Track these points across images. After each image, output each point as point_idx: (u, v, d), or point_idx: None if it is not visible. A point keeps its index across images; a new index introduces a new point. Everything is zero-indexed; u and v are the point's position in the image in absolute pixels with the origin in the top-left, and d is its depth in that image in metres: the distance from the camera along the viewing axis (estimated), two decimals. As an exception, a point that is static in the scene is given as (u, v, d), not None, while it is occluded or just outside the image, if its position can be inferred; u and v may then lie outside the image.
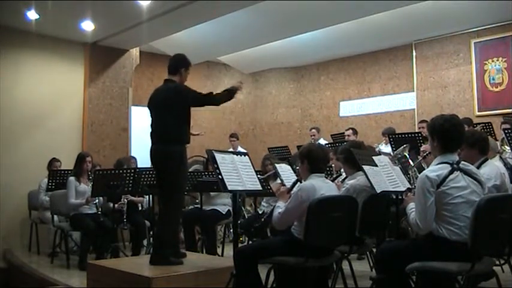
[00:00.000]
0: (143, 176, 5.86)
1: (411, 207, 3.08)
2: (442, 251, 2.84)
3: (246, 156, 3.83)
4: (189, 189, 5.85)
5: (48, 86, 7.83)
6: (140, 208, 6.57)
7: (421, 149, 5.07)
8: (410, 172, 4.43)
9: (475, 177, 2.97)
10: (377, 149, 7.09)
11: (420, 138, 5.69)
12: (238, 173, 3.59)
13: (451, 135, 3.01)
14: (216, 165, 3.48)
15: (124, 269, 4.02)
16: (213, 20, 7.40)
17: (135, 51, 8.80)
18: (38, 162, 7.08)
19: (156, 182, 4.66)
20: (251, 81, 11.66)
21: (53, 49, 7.90)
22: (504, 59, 8.16)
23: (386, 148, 7.11)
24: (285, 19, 7.79)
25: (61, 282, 5.00)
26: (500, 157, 4.58)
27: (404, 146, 4.64)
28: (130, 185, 5.78)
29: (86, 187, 5.95)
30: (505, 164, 4.49)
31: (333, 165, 5.01)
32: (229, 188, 3.44)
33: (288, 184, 3.97)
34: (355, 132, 8.13)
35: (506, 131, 4.90)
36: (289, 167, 4.62)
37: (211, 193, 6.01)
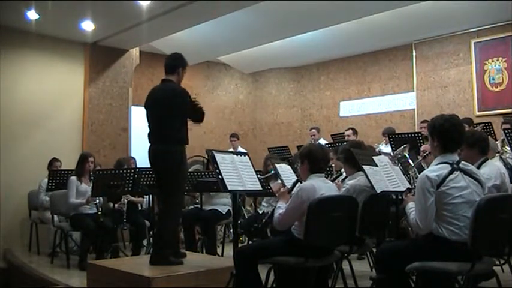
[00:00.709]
0: (143, 176, 5.86)
1: (411, 206, 3.08)
2: (442, 251, 2.84)
3: (246, 156, 3.83)
4: (189, 189, 5.85)
5: (48, 86, 7.83)
6: (140, 208, 6.58)
7: (421, 149, 5.07)
8: (410, 172, 4.43)
9: (475, 177, 2.97)
10: (377, 149, 7.09)
11: (420, 138, 5.70)
12: (238, 173, 3.59)
13: (451, 135, 3.01)
14: (216, 165, 3.48)
15: (124, 269, 4.02)
16: (213, 20, 7.40)
17: (135, 51, 8.80)
18: (38, 162, 7.08)
19: (156, 182, 4.66)
20: (251, 81, 11.67)
21: (53, 49, 7.90)
22: (504, 59, 8.16)
23: (386, 148, 7.11)
24: (285, 19, 7.79)
25: (61, 282, 5.00)
26: (501, 157, 4.58)
27: (404, 146, 4.64)
28: (130, 185, 5.77)
29: (86, 187, 5.95)
30: (505, 164, 4.49)
31: (333, 165, 5.01)
32: (229, 188, 3.44)
33: (288, 184, 3.97)
34: (355, 132, 8.13)
35: (506, 131, 4.90)
36: (289, 167, 4.61)
37: (211, 193, 6.01)
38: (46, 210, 6.70)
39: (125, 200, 6.09)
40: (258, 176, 3.97)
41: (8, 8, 6.57)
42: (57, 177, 6.57)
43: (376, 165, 3.81)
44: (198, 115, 4.25)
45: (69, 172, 6.33)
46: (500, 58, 8.20)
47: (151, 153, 4.22)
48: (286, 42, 9.11)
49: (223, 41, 8.87)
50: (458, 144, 3.08)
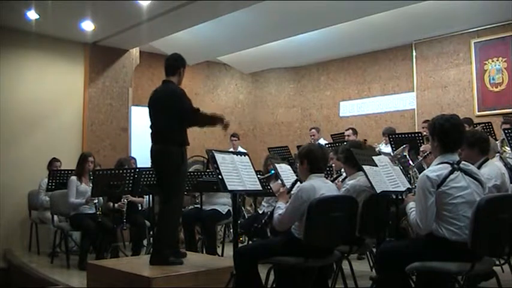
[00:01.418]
0: (143, 176, 5.86)
1: (411, 206, 3.08)
2: (442, 251, 2.84)
3: (246, 156, 3.83)
4: (189, 189, 5.85)
5: (48, 86, 7.83)
6: (140, 208, 6.58)
7: (421, 149, 5.07)
8: (410, 172, 4.42)
9: (475, 177, 2.97)
10: (377, 149, 7.09)
11: (420, 138, 5.70)
12: (238, 173, 3.59)
13: (452, 136, 3.01)
14: (216, 165, 3.48)
15: (124, 269, 4.02)
16: (213, 20, 7.40)
17: (135, 51, 8.80)
18: (38, 162, 7.08)
19: (156, 181, 4.68)
20: (251, 81, 11.67)
21: (53, 49, 7.90)
22: (504, 59, 8.16)
23: (386, 148, 7.11)
24: (285, 19, 7.79)
25: (61, 282, 5.00)
26: (501, 157, 4.58)
27: (404, 146, 4.64)
28: (131, 185, 5.78)
29: (86, 187, 5.95)
30: (506, 164, 4.48)
31: (333, 165, 5.01)
32: (229, 188, 3.44)
33: (288, 184, 3.97)
34: (355, 132, 8.12)
35: (506, 131, 4.90)
36: (289, 167, 4.61)
37: (211, 193, 6.01)
38: (46, 210, 6.70)
39: (125, 200, 6.09)
40: (258, 176, 3.97)
41: (8, 8, 6.57)
42: (57, 177, 6.58)
43: (376, 165, 3.81)
44: (207, 126, 4.29)
45: (69, 172, 6.34)
46: (500, 58, 8.20)
47: (152, 153, 4.26)
48: (286, 42, 9.11)
49: (223, 41, 8.87)
50: (458, 145, 3.08)
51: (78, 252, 6.06)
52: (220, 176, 3.44)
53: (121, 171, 5.83)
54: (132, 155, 8.36)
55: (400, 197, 4.03)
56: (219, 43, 8.99)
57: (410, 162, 4.53)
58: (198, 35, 8.36)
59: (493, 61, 8.29)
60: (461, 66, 8.70)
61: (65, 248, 6.04)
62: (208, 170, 6.45)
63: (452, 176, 2.89)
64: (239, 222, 5.68)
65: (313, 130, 8.98)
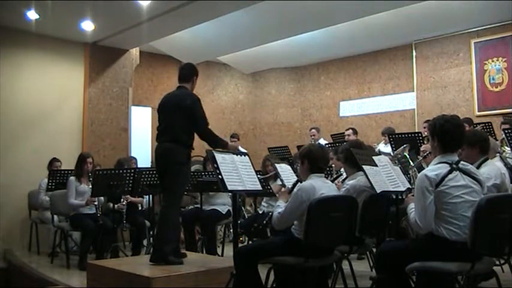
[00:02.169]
0: (143, 176, 5.86)
1: (412, 207, 3.08)
2: (441, 250, 2.84)
3: (246, 156, 3.84)
4: (189, 189, 5.85)
5: (48, 86, 7.83)
6: (140, 208, 6.57)
7: (421, 149, 5.08)
8: (410, 172, 4.42)
9: (474, 177, 2.98)
10: (376, 149, 7.09)
11: (420, 138, 5.70)
12: (238, 173, 3.59)
13: (452, 136, 3.01)
14: (216, 165, 3.48)
15: (124, 269, 4.03)
16: (213, 20, 7.40)
17: (135, 51, 8.80)
18: (38, 162, 7.08)
19: (158, 180, 4.71)
20: (251, 81, 11.66)
21: (53, 49, 7.89)
22: (504, 59, 8.16)
23: (386, 148, 7.12)
24: (285, 19, 7.79)
25: (61, 282, 5.00)
26: (501, 157, 4.58)
27: (404, 146, 4.64)
28: (131, 185, 5.77)
29: (86, 188, 5.95)
30: (505, 164, 4.48)
31: (333, 165, 5.01)
32: (229, 188, 3.44)
33: (289, 185, 3.97)
34: (355, 132, 8.13)
35: (506, 131, 4.90)
36: (289, 167, 4.61)
37: (211, 193, 6.01)
38: (46, 210, 6.70)
39: (125, 200, 6.09)
40: (258, 176, 3.97)
41: (8, 8, 6.57)
42: (57, 177, 6.58)
43: (376, 165, 3.81)
44: (217, 147, 4.36)
45: (69, 172, 6.33)
46: (500, 58, 8.21)
47: (158, 150, 4.33)
48: (286, 42, 9.11)
49: (223, 41, 8.87)
50: (458, 145, 3.09)
51: (78, 252, 6.06)
52: (220, 176, 3.44)
53: (121, 171, 5.83)
54: (132, 155, 8.35)
55: (400, 197, 4.03)
56: (219, 43, 8.99)
57: (411, 162, 4.53)
58: (198, 35, 8.36)
59: (493, 61, 8.29)
60: (461, 66, 8.70)
61: (65, 248, 6.03)
62: (206, 171, 6.43)
63: (450, 176, 2.90)
64: (239, 222, 5.68)
65: (313, 130, 8.98)
